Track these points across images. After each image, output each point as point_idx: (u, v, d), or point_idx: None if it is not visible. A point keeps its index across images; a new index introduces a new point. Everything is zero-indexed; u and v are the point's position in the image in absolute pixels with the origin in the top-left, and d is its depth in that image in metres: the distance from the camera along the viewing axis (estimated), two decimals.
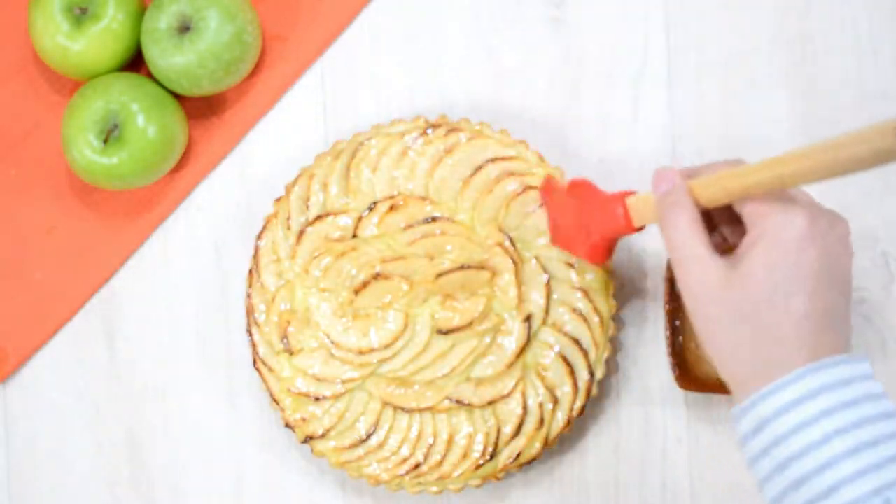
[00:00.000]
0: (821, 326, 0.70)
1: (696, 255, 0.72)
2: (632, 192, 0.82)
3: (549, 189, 0.90)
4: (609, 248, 0.85)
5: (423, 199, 0.92)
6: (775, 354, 0.69)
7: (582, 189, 0.86)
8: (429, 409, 0.91)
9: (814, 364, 0.69)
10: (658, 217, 0.76)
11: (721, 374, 0.73)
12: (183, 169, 0.97)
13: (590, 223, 0.84)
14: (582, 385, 0.91)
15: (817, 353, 0.69)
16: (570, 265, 0.91)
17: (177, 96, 0.95)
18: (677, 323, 0.91)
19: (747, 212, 0.72)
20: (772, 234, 0.70)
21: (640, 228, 0.82)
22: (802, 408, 0.68)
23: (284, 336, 0.92)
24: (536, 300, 0.91)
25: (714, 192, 0.73)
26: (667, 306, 0.90)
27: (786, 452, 0.68)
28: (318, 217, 0.93)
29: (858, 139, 0.65)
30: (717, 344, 0.72)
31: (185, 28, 0.91)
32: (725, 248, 0.76)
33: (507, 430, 0.91)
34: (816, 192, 0.94)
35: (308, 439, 0.92)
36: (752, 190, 0.71)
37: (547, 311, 0.91)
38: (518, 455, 0.91)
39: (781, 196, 0.71)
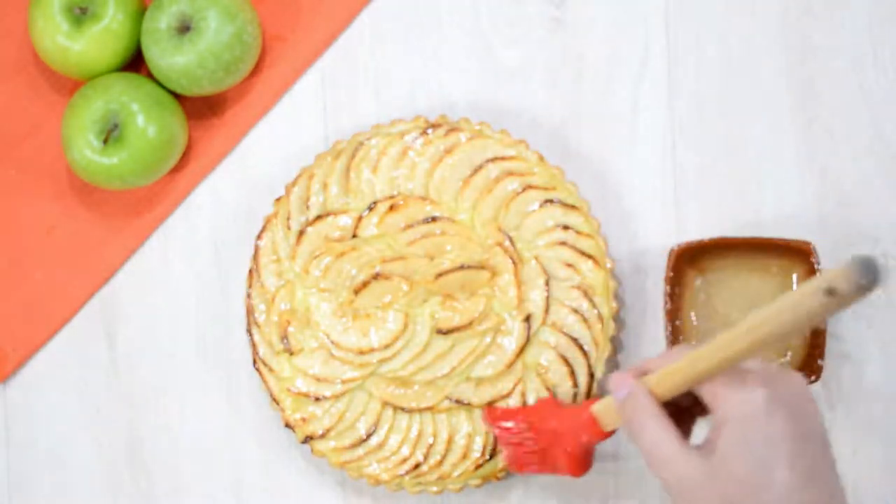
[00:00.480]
0: (808, 489, 0.70)
1: (670, 455, 0.73)
2: (594, 401, 0.83)
3: (494, 416, 0.89)
4: (588, 455, 0.85)
5: (423, 199, 0.92)
6: None
7: (542, 409, 0.87)
8: (429, 409, 0.91)
9: None
10: (623, 423, 0.77)
11: None
12: (183, 169, 0.97)
13: (561, 438, 0.85)
14: (582, 385, 0.91)
15: None
16: (570, 265, 0.91)
17: (177, 96, 0.95)
18: (677, 323, 0.91)
19: (706, 393, 0.73)
20: (735, 414, 0.71)
21: (612, 432, 0.83)
22: None
23: (284, 336, 0.92)
24: (536, 300, 0.91)
25: (670, 386, 0.75)
26: (667, 306, 0.90)
27: None
28: (318, 217, 0.93)
29: (792, 304, 0.67)
30: None
31: (185, 28, 0.91)
32: (704, 409, 0.76)
33: None
34: (814, 188, 0.94)
35: (308, 439, 0.92)
36: (704, 375, 0.73)
37: (547, 311, 0.91)
38: None
39: (734, 372, 0.72)
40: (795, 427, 0.71)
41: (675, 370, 0.74)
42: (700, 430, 0.77)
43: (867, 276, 0.64)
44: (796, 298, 0.67)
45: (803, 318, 0.67)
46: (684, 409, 0.77)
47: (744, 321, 0.70)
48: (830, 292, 0.65)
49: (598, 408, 0.83)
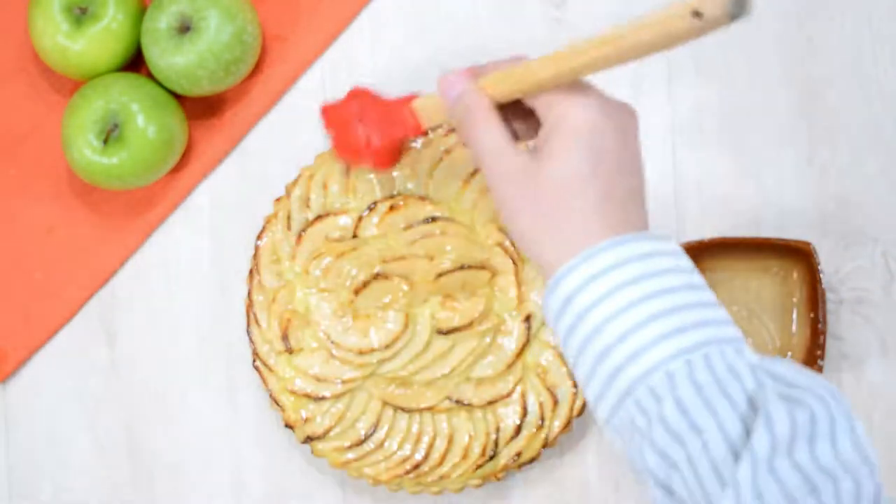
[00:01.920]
0: (621, 206, 0.71)
1: (498, 149, 0.73)
2: (415, 96, 0.83)
3: (328, 107, 0.90)
4: (395, 152, 0.86)
5: (423, 199, 0.92)
6: (580, 234, 0.70)
7: (363, 98, 0.87)
8: (429, 409, 0.91)
9: (615, 238, 0.69)
10: (453, 120, 0.77)
11: (533, 262, 0.73)
12: (183, 169, 0.97)
13: (374, 129, 0.85)
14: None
15: (618, 231, 0.70)
16: None
17: (177, 96, 0.95)
18: None
19: (540, 104, 0.73)
20: (567, 122, 0.71)
21: (427, 131, 0.83)
22: (603, 279, 0.68)
23: (284, 336, 0.92)
24: (536, 300, 0.91)
25: (506, 88, 0.74)
26: None
27: (590, 325, 0.68)
28: (318, 217, 0.93)
29: (655, 21, 0.66)
30: (524, 232, 0.72)
31: (185, 28, 0.91)
32: (529, 131, 0.76)
33: (507, 430, 0.91)
34: (814, 188, 0.94)
35: (308, 439, 0.92)
36: (545, 84, 0.72)
37: None
38: (518, 455, 0.91)
39: (573, 86, 0.72)
40: (619, 152, 0.71)
41: (511, 74, 0.74)
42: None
43: (737, 2, 0.63)
44: (661, 16, 0.66)
45: (664, 36, 0.66)
46: (508, 125, 0.76)
47: (598, 34, 0.70)
48: (697, 14, 0.64)
49: (420, 103, 0.82)
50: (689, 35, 0.66)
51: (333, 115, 0.89)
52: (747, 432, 0.64)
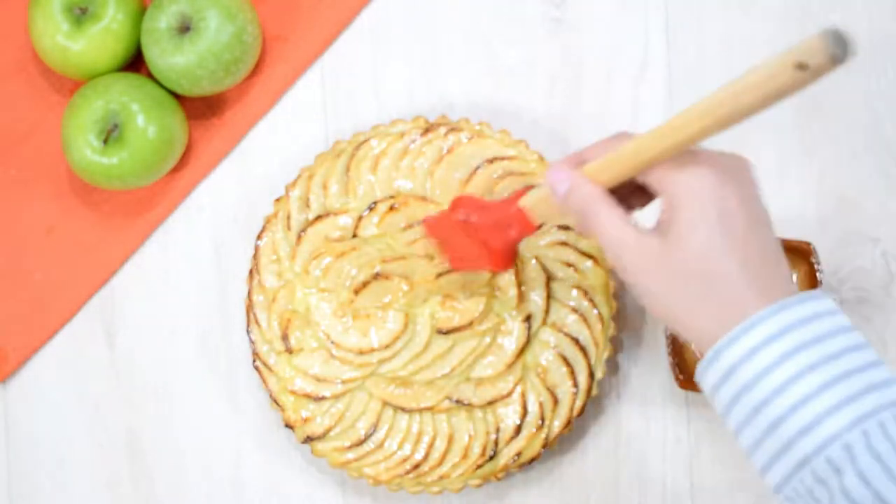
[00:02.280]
0: (764, 266, 0.70)
1: (626, 238, 0.72)
2: (521, 193, 0.81)
3: (430, 220, 0.89)
4: (513, 252, 0.84)
5: (423, 199, 0.92)
6: (729, 305, 0.69)
7: (468, 205, 0.85)
8: (429, 409, 0.91)
9: (773, 306, 0.68)
10: (571, 216, 0.75)
11: (686, 339, 0.72)
12: (183, 169, 0.97)
13: (487, 234, 0.83)
14: (582, 385, 0.91)
15: (770, 295, 0.69)
16: (570, 265, 0.91)
17: (177, 96, 0.95)
18: None
19: (653, 181, 0.72)
20: (687, 196, 0.70)
21: (541, 226, 0.81)
22: (767, 350, 0.67)
23: (284, 336, 0.92)
24: (536, 300, 0.91)
25: (613, 174, 0.73)
26: None
27: (758, 396, 0.67)
28: (318, 217, 0.93)
29: (756, 83, 0.65)
30: (673, 313, 0.71)
31: (185, 28, 0.91)
32: (643, 199, 0.75)
33: (507, 430, 0.91)
34: (814, 188, 0.94)
35: (308, 439, 0.92)
36: (651, 163, 0.71)
37: (547, 311, 0.91)
38: (518, 455, 0.91)
39: (681, 156, 0.71)
40: (748, 209, 0.70)
41: (617, 158, 0.72)
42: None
43: (840, 45, 0.62)
44: (762, 75, 0.64)
45: (769, 95, 0.65)
46: (621, 202, 0.75)
47: (695, 104, 0.68)
48: (801, 66, 0.63)
49: (529, 202, 0.80)
50: (792, 90, 0.64)
51: (437, 227, 0.88)
52: None
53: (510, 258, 0.84)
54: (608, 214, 0.72)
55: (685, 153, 0.71)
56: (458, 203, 0.85)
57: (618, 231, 0.72)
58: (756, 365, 0.67)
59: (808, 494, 0.66)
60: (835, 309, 0.69)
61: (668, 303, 0.71)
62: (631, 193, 0.75)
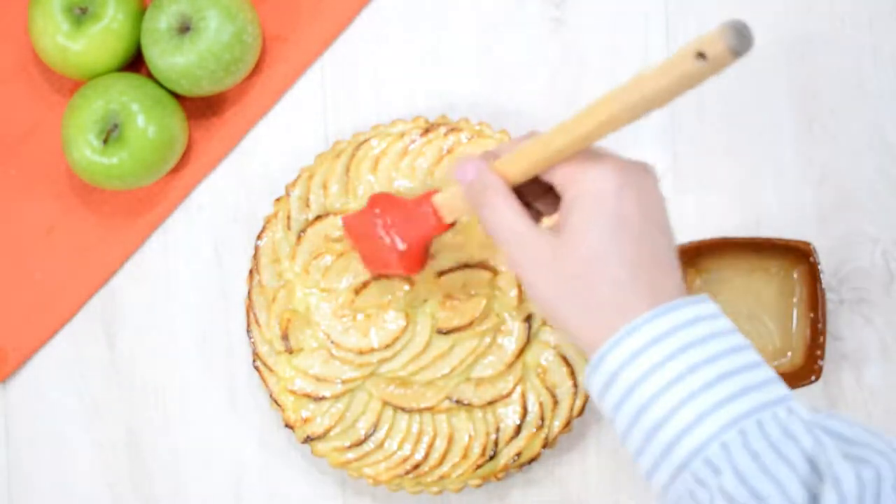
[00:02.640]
0: (654, 272, 0.69)
1: (519, 232, 0.72)
2: (434, 191, 0.81)
3: (348, 218, 0.89)
4: (423, 253, 0.83)
5: None
6: (616, 309, 0.69)
7: (382, 203, 0.84)
8: (429, 409, 0.91)
9: (655, 310, 0.68)
10: (472, 206, 0.75)
11: (573, 342, 0.73)
12: (183, 169, 0.97)
13: (399, 233, 0.83)
14: (582, 385, 0.91)
15: (656, 300, 0.69)
16: None
17: (177, 96, 0.95)
18: None
19: (558, 180, 0.72)
20: (587, 193, 0.70)
21: (452, 224, 0.81)
22: (648, 353, 0.67)
23: (284, 336, 0.92)
24: None
25: (521, 167, 0.73)
26: None
27: (639, 401, 0.67)
28: (318, 217, 0.93)
29: (660, 71, 0.66)
30: (560, 314, 0.71)
31: (185, 28, 0.91)
32: (549, 206, 0.75)
33: (507, 430, 0.91)
34: (814, 188, 0.94)
35: (308, 439, 0.92)
36: (558, 156, 0.71)
37: None
38: (518, 455, 0.91)
39: (587, 156, 0.71)
40: (644, 215, 0.70)
41: (525, 151, 0.73)
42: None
43: (738, 38, 0.63)
44: (665, 65, 0.65)
45: (672, 84, 0.65)
46: (529, 206, 0.75)
47: (605, 94, 0.68)
48: (701, 56, 0.64)
49: (440, 198, 0.80)
50: (694, 79, 0.65)
51: (355, 227, 0.88)
52: (811, 495, 0.64)
53: (421, 259, 0.83)
54: (505, 205, 0.72)
55: (590, 155, 0.71)
56: (373, 201, 0.85)
57: (512, 223, 0.72)
58: (637, 369, 0.67)
59: (690, 496, 0.66)
60: (717, 312, 0.69)
61: (556, 304, 0.71)
62: (542, 197, 0.75)
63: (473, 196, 0.74)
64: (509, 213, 0.72)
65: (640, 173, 0.71)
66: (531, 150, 0.72)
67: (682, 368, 0.67)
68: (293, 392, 0.92)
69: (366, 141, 0.93)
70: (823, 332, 0.89)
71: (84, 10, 0.92)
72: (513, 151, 0.74)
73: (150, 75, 0.94)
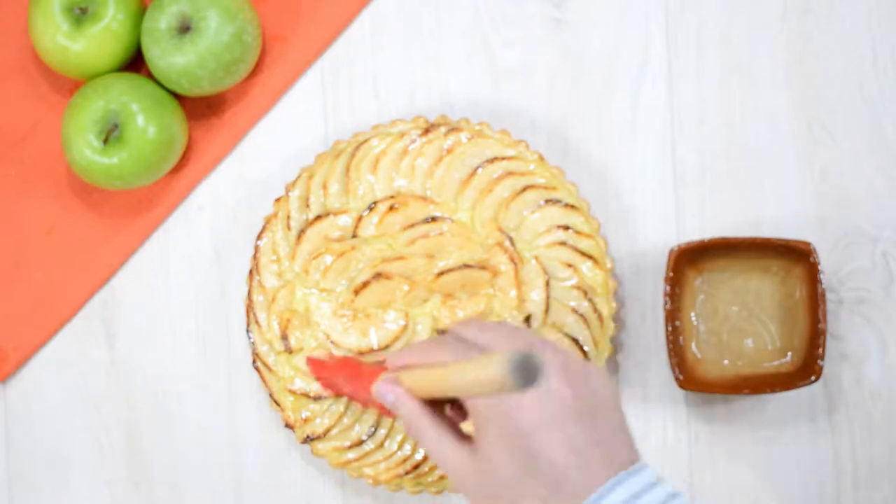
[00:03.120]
0: (578, 468, 0.71)
1: (440, 451, 0.75)
2: (378, 370, 0.82)
3: (313, 361, 0.91)
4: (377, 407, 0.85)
5: (423, 199, 0.92)
6: None
7: (346, 366, 0.88)
8: None
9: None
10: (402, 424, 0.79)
11: None
12: (183, 169, 0.97)
13: (355, 393, 0.86)
14: None
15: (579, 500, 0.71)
16: (570, 265, 0.91)
17: (177, 96, 0.95)
18: (677, 323, 0.91)
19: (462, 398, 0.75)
20: (484, 420, 0.73)
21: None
22: None
23: (284, 336, 0.92)
24: (536, 300, 0.91)
25: (422, 392, 0.76)
26: (667, 306, 0.90)
27: None
28: (318, 217, 0.93)
29: (480, 366, 0.68)
30: None
31: (185, 28, 0.91)
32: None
33: None
34: (814, 188, 0.94)
35: (308, 439, 0.92)
36: (441, 394, 0.74)
37: (547, 312, 0.91)
38: None
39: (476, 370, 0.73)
40: (542, 417, 0.72)
41: (422, 377, 0.75)
42: None
43: (520, 374, 0.64)
44: (483, 362, 0.67)
45: (486, 384, 0.67)
46: (454, 403, 0.78)
47: (432, 368, 0.74)
48: (500, 380, 0.65)
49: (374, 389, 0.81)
50: (496, 390, 0.66)
51: (318, 367, 0.90)
52: None
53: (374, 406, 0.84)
54: (427, 429, 0.75)
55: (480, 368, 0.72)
56: (316, 370, 0.90)
57: (436, 445, 0.75)
58: None
59: None
60: (651, 481, 0.71)
61: None
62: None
63: (400, 416, 0.77)
64: (433, 436, 0.75)
65: (531, 373, 0.69)
66: (425, 380, 0.75)
67: None
68: (293, 392, 0.92)
69: (366, 141, 0.93)
70: (823, 332, 0.89)
71: (84, 10, 0.92)
72: (413, 374, 0.76)
73: (150, 75, 0.94)
